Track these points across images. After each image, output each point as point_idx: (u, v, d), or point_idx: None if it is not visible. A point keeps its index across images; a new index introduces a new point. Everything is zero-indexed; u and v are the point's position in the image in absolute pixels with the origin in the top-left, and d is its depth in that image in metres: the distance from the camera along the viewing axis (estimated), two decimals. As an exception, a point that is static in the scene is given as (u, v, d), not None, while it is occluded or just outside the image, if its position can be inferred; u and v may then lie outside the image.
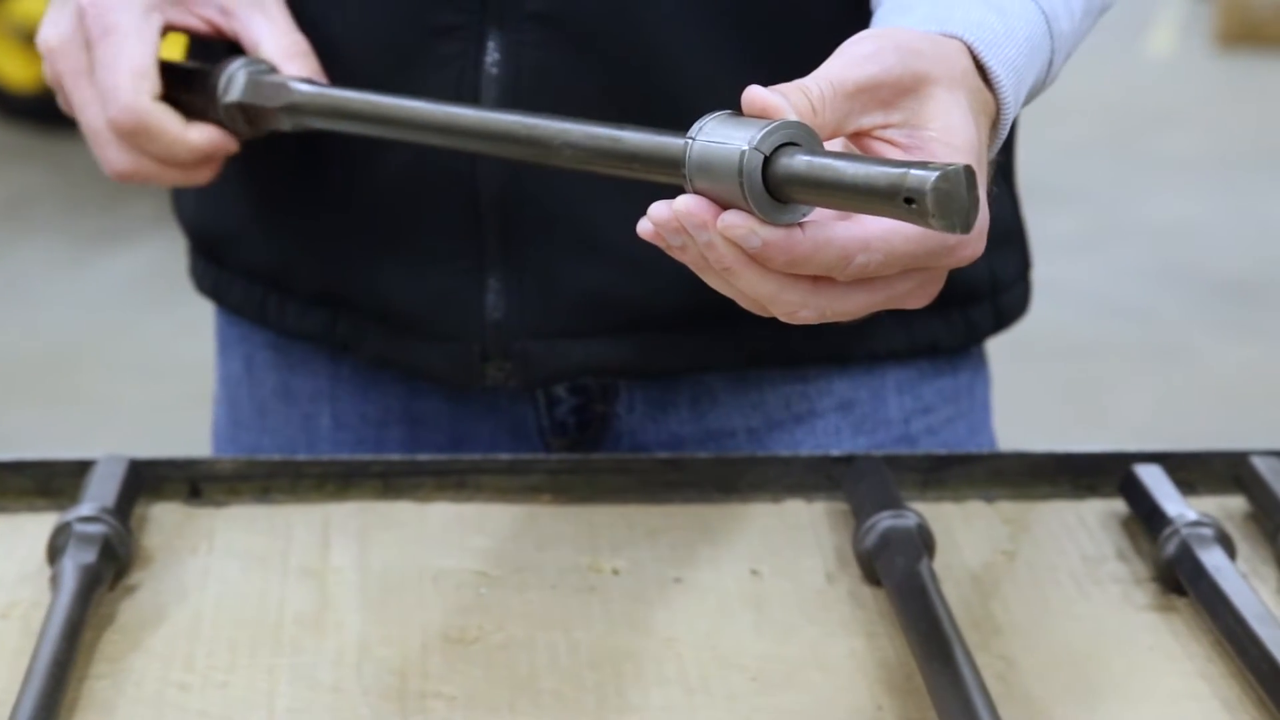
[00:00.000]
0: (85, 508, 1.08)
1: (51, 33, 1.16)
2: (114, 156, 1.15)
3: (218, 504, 1.17)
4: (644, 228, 0.87)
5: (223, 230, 1.31)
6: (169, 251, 5.28)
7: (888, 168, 0.81)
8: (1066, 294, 5.08)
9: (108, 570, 1.05)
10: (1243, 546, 1.11)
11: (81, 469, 1.15)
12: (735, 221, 0.84)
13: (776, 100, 0.86)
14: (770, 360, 1.24)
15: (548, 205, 1.17)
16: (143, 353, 4.77)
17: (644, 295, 1.19)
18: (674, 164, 0.87)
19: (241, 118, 1.13)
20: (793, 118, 0.85)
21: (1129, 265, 5.62)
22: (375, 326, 1.24)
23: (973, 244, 0.89)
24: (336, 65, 1.18)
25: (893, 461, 1.18)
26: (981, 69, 0.95)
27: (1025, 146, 1.33)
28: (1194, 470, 1.20)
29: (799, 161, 0.83)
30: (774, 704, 0.98)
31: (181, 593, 1.07)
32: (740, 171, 0.84)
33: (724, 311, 1.20)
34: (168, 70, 1.14)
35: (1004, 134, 0.98)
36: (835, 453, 1.19)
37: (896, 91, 0.89)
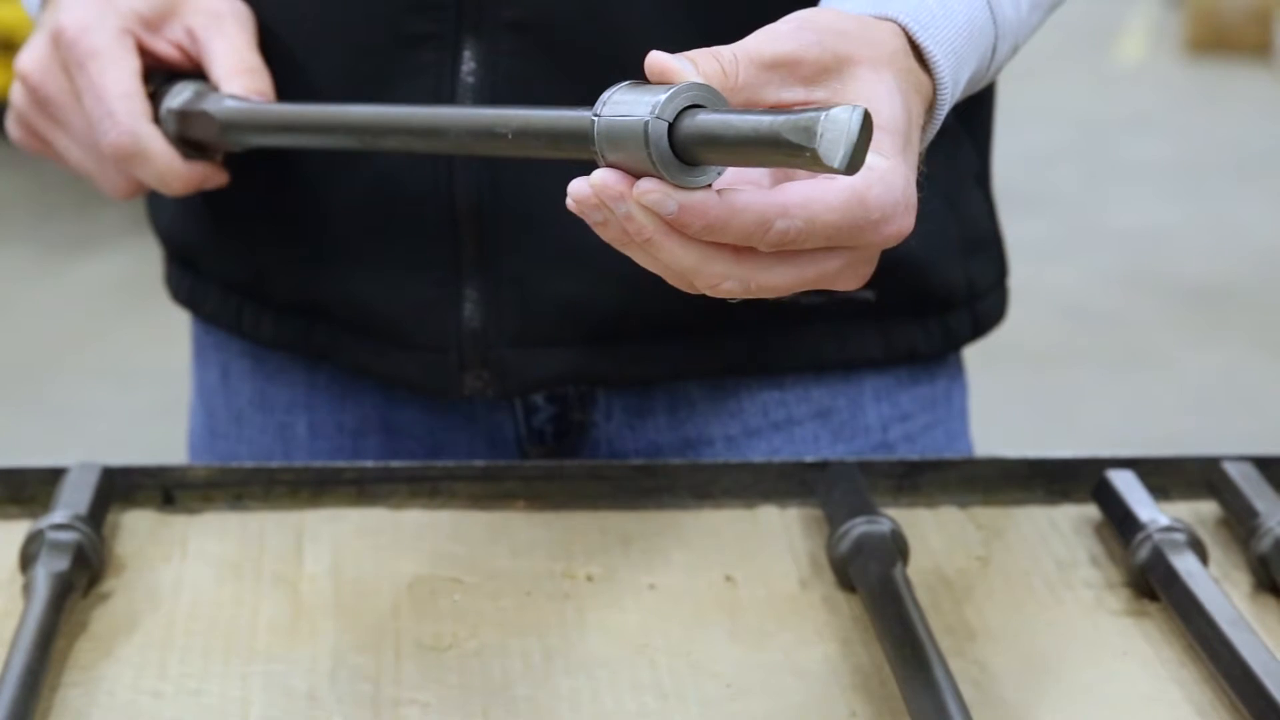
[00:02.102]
0: (58, 515, 1.07)
1: (28, 59, 1.16)
2: (111, 182, 1.16)
3: (191, 511, 1.16)
4: (569, 204, 0.87)
5: (198, 240, 1.31)
6: (141, 258, 5.27)
7: (781, 114, 0.81)
8: (1037, 299, 5.09)
9: (80, 578, 1.05)
10: (1215, 551, 1.12)
11: (54, 476, 1.15)
12: (649, 188, 0.84)
13: (677, 64, 0.86)
14: (747, 369, 1.24)
15: (524, 214, 1.17)
16: (115, 360, 4.76)
17: (621, 304, 1.19)
18: (584, 140, 0.87)
19: (176, 130, 1.14)
20: (695, 79, 0.85)
21: (1099, 270, 5.64)
22: (352, 336, 1.24)
23: (898, 221, 0.87)
24: (311, 77, 1.19)
25: (866, 467, 1.18)
26: (917, 50, 0.95)
27: (995, 152, 1.34)
28: (1166, 475, 1.20)
29: (699, 120, 0.83)
30: (748, 710, 0.98)
31: (154, 600, 1.07)
32: (646, 141, 0.84)
33: (701, 320, 1.20)
34: None
35: (940, 115, 0.97)
36: (809, 459, 1.20)
37: (818, 70, 0.89)
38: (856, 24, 0.92)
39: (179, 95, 1.14)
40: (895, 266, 1.22)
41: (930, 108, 0.96)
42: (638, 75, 0.92)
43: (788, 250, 0.86)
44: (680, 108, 0.84)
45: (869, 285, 1.22)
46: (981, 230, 1.29)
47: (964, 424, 1.34)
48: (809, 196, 0.84)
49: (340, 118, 1.07)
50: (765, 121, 0.81)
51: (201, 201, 1.27)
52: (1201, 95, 8.06)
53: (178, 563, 1.11)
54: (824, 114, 0.80)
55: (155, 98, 1.15)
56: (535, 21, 1.15)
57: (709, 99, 0.85)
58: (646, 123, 0.84)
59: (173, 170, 1.14)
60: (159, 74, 1.17)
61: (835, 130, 0.79)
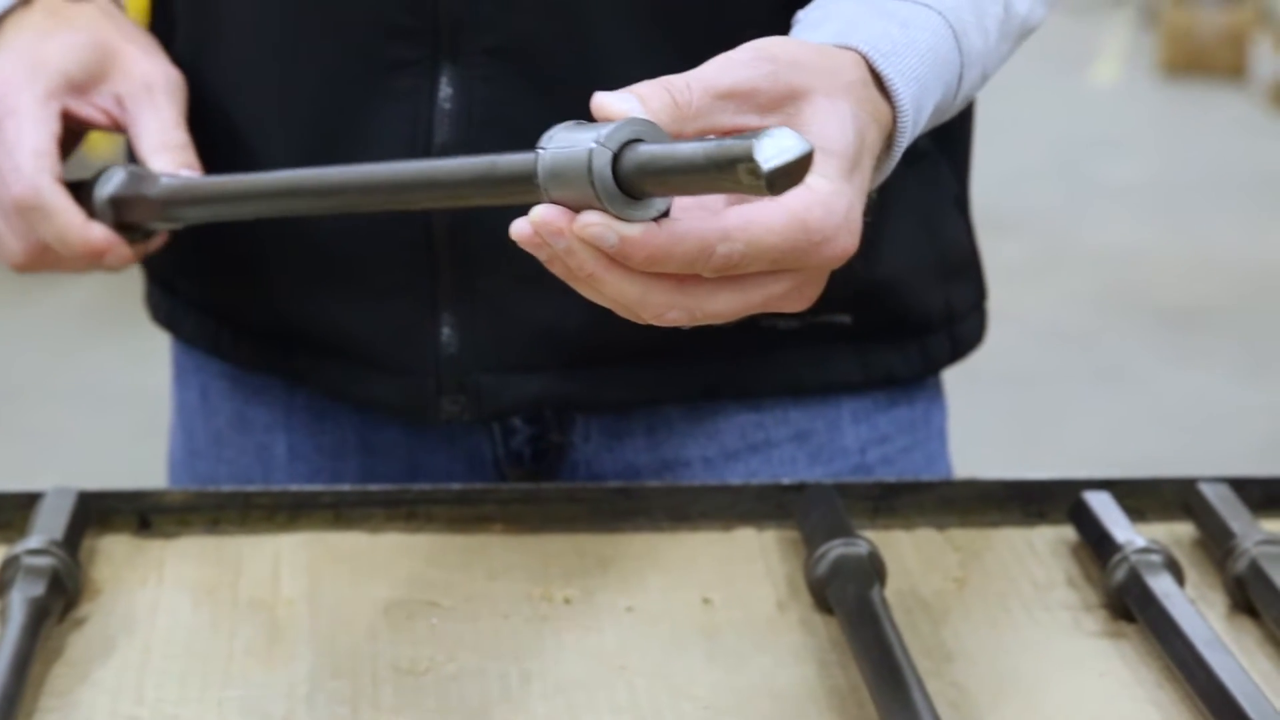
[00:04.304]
0: (33, 540, 1.07)
1: None
2: (11, 245, 1.15)
3: (167, 536, 1.16)
4: (515, 240, 0.87)
5: (177, 263, 1.31)
6: (116, 283, 5.25)
7: (720, 140, 0.81)
8: (1013, 321, 5.10)
9: (56, 603, 1.05)
10: (1191, 573, 1.12)
11: (29, 501, 1.14)
12: (592, 220, 0.84)
13: (621, 102, 0.86)
14: (724, 392, 1.24)
15: (501, 239, 1.16)
16: (90, 384, 4.75)
17: (596, 329, 1.18)
18: (527, 179, 0.86)
19: (113, 216, 1.14)
20: (639, 115, 0.85)
21: (1075, 292, 5.64)
22: (330, 361, 1.24)
23: (840, 243, 0.88)
24: (290, 106, 1.18)
25: (843, 489, 1.18)
26: (879, 79, 0.95)
27: (972, 174, 1.34)
28: (1143, 497, 1.20)
29: (639, 151, 0.84)
30: (726, 733, 0.98)
31: (130, 625, 1.06)
32: (590, 170, 0.84)
33: (677, 344, 1.20)
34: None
35: (901, 142, 0.97)
36: (786, 481, 1.20)
37: (774, 99, 0.89)
38: (816, 54, 0.92)
39: (110, 181, 1.14)
40: (873, 291, 1.23)
41: (890, 136, 0.96)
42: None
43: (732, 276, 0.87)
44: (624, 140, 0.84)
45: (846, 309, 1.23)
46: (960, 254, 1.29)
47: (943, 446, 1.34)
48: (749, 220, 0.85)
49: (277, 183, 1.05)
50: (700, 147, 0.82)
51: (181, 229, 1.27)
52: (1177, 117, 8.08)
53: (154, 587, 1.11)
54: (756, 139, 0.80)
55: (87, 187, 1.15)
56: (513, 48, 1.15)
57: (650, 134, 0.85)
58: (591, 151, 0.84)
59: (72, 227, 1.13)
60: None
61: (766, 150, 0.80)
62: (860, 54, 0.95)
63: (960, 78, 1.03)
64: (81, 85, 1.16)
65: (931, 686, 0.98)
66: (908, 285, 1.24)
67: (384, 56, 1.16)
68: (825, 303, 1.22)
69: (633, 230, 0.84)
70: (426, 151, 1.15)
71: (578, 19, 1.14)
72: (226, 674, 1.02)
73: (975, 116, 1.31)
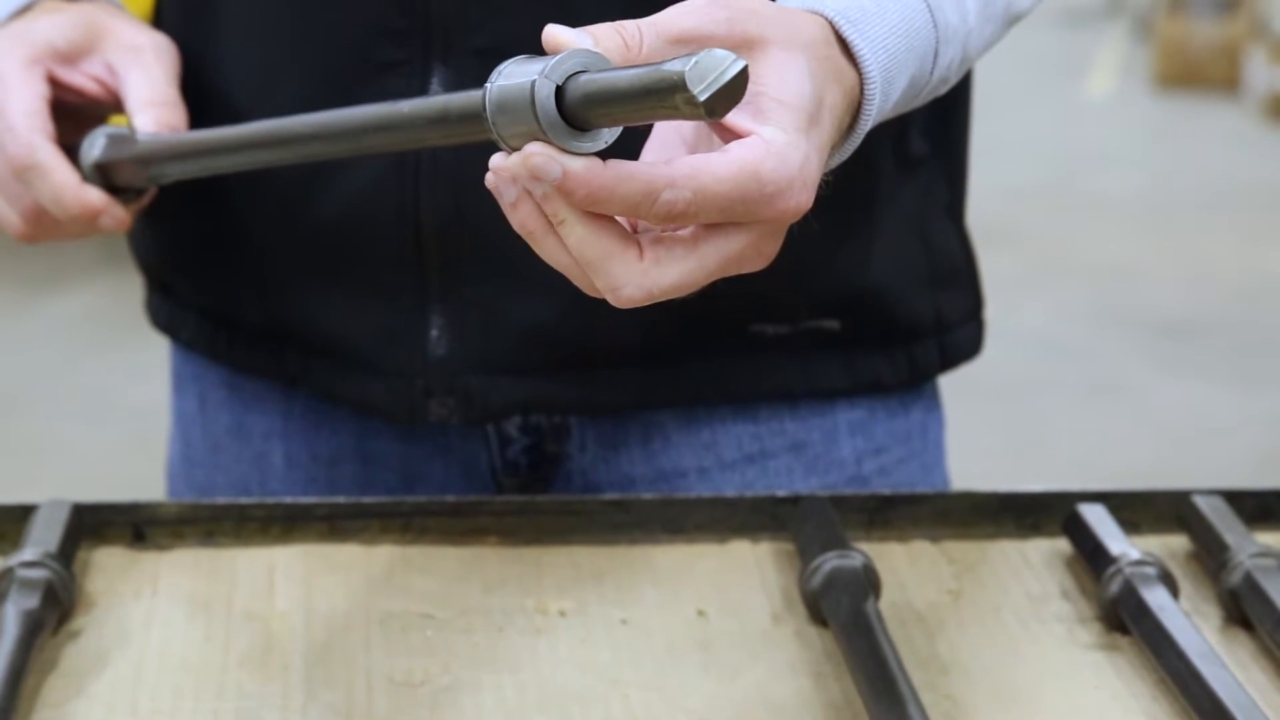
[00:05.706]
0: (28, 553, 1.07)
1: None
2: (9, 214, 1.17)
3: (161, 548, 1.16)
4: (487, 179, 0.86)
5: (174, 265, 1.31)
6: (110, 295, 5.26)
7: (655, 66, 0.81)
8: (1008, 333, 5.10)
9: (51, 615, 1.04)
10: (1185, 585, 1.12)
11: (24, 514, 1.14)
12: (536, 150, 0.84)
13: (573, 35, 0.86)
14: (714, 397, 1.24)
15: (491, 240, 1.17)
16: (84, 396, 4.74)
17: (586, 331, 1.18)
18: (479, 115, 0.86)
19: (101, 180, 1.15)
20: (589, 48, 0.85)
21: (1069, 304, 5.65)
22: (322, 362, 1.24)
23: (793, 197, 0.87)
24: (278, 104, 1.19)
25: (838, 502, 1.18)
26: (846, 46, 0.94)
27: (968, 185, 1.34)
28: (1137, 509, 1.20)
29: (580, 81, 0.84)
30: (721, 745, 0.98)
31: (125, 637, 1.06)
32: (533, 102, 0.84)
33: (666, 347, 1.21)
34: None
35: (869, 111, 0.96)
36: (781, 493, 1.20)
37: (728, 47, 0.88)
38: (775, 9, 0.91)
39: (94, 146, 1.15)
40: (861, 296, 1.23)
41: (856, 103, 0.95)
42: None
43: (686, 240, 0.86)
44: (569, 72, 0.84)
45: (835, 315, 1.23)
46: (953, 262, 1.29)
47: (940, 457, 1.34)
48: (697, 168, 0.84)
49: (245, 135, 1.06)
50: (635, 74, 0.81)
51: (176, 227, 1.27)
52: (1171, 129, 8.09)
53: (148, 599, 1.11)
54: (687, 63, 0.80)
55: (73, 153, 1.15)
56: (503, 48, 1.14)
57: (598, 65, 0.85)
58: (534, 82, 0.84)
59: (68, 186, 1.14)
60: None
61: (700, 71, 0.80)
62: (825, 19, 0.94)
63: (935, 54, 1.01)
64: (68, 55, 1.18)
65: (926, 699, 0.98)
66: (896, 292, 1.24)
67: (375, 57, 1.16)
68: (814, 308, 1.23)
69: (576, 164, 0.84)
70: (416, 153, 1.15)
71: (567, 21, 1.14)
72: (221, 686, 1.02)
73: (971, 125, 1.31)
